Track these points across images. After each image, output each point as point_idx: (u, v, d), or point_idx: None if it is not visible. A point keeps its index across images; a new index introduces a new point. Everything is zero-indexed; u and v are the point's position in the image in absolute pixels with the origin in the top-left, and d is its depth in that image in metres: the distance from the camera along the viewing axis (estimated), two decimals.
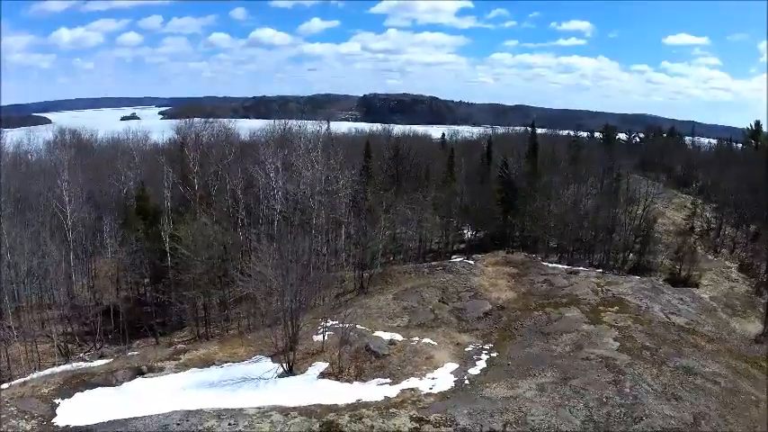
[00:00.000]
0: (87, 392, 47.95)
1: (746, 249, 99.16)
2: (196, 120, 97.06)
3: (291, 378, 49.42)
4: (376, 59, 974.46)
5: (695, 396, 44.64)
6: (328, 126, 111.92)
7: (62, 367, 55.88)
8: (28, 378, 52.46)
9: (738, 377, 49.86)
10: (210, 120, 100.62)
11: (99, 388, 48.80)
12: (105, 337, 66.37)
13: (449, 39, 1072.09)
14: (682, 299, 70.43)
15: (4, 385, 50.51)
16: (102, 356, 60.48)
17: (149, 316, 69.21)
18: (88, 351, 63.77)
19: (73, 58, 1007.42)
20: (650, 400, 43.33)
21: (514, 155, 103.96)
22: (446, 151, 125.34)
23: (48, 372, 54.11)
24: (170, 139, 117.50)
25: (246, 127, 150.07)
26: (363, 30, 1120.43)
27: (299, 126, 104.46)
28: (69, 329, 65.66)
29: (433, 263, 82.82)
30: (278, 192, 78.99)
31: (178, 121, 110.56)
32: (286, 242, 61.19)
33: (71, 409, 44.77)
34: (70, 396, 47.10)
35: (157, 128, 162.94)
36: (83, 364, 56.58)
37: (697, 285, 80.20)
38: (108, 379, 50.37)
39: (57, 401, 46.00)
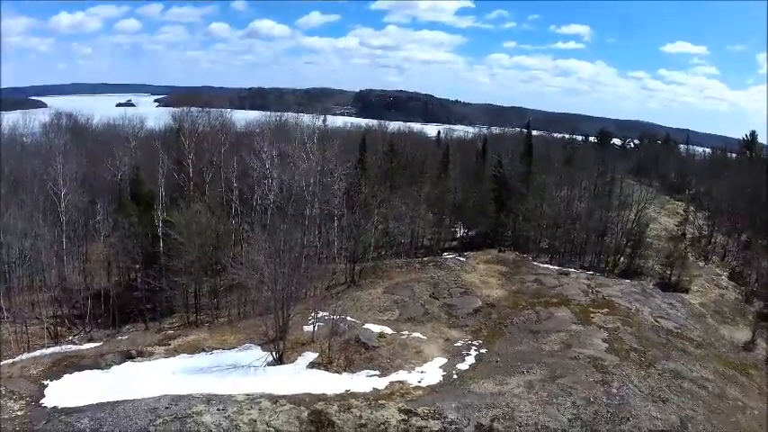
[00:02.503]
0: (76, 374, 48.05)
1: (737, 258, 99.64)
2: (193, 108, 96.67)
3: (281, 367, 49.57)
4: (374, 55, 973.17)
5: (682, 399, 44.98)
6: (325, 119, 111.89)
7: (51, 349, 55.91)
8: (17, 359, 52.41)
9: (726, 383, 50.26)
10: (207, 109, 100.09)
11: (88, 371, 48.90)
12: (95, 321, 66.32)
13: (447, 37, 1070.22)
14: (671, 303, 70.81)
15: None
16: (91, 340, 60.51)
17: (139, 301, 69.18)
18: (77, 334, 63.79)
19: (71, 42, 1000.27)
20: (637, 401, 43.63)
21: (509, 154, 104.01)
22: (441, 149, 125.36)
23: (37, 353, 54.10)
24: (165, 126, 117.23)
25: (242, 117, 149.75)
26: (363, 25, 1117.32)
27: (296, 118, 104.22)
28: (59, 312, 65.60)
29: (425, 258, 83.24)
30: (272, 181, 79.01)
31: (174, 108, 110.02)
32: (279, 232, 61.17)
33: (59, 391, 44.76)
34: (59, 378, 47.15)
35: (153, 115, 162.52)
36: (72, 347, 56.63)
37: (687, 291, 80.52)
38: (97, 362, 50.52)
39: (45, 383, 46.02)
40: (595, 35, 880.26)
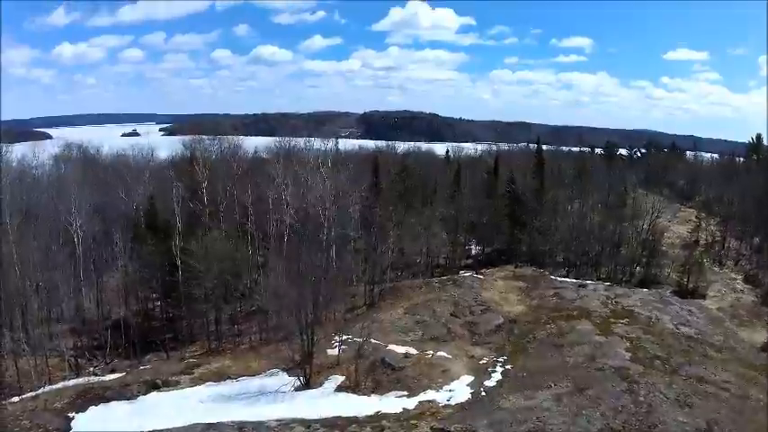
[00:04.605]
0: (102, 406, 48.05)
1: (751, 261, 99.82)
2: (204, 136, 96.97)
3: (309, 391, 49.68)
4: (376, 76, 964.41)
5: (707, 403, 44.94)
6: (336, 143, 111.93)
7: (73, 381, 55.84)
8: (39, 392, 52.41)
9: (748, 384, 50.06)
10: (219, 137, 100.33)
11: (114, 402, 48.91)
12: (115, 352, 66.31)
13: (450, 56, 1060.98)
14: (690, 310, 70.67)
15: (15, 399, 50.45)
16: (113, 370, 60.42)
17: (159, 330, 69.26)
18: (98, 365, 63.74)
19: (74, 73, 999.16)
20: (664, 407, 43.59)
21: (521, 170, 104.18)
22: (451, 167, 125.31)
23: (59, 385, 54.19)
24: (175, 155, 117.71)
25: (251, 144, 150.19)
26: (365, 47, 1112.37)
27: (306, 143, 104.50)
28: (79, 343, 65.69)
29: (443, 277, 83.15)
30: (288, 206, 79.10)
31: (185, 137, 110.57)
32: (298, 257, 61.33)
33: (86, 423, 44.94)
34: (84, 410, 47.16)
35: (160, 144, 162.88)
36: (95, 378, 56.56)
37: (704, 297, 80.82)
38: (122, 392, 50.45)
39: (71, 415, 46.11)
40: (597, 46, 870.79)
